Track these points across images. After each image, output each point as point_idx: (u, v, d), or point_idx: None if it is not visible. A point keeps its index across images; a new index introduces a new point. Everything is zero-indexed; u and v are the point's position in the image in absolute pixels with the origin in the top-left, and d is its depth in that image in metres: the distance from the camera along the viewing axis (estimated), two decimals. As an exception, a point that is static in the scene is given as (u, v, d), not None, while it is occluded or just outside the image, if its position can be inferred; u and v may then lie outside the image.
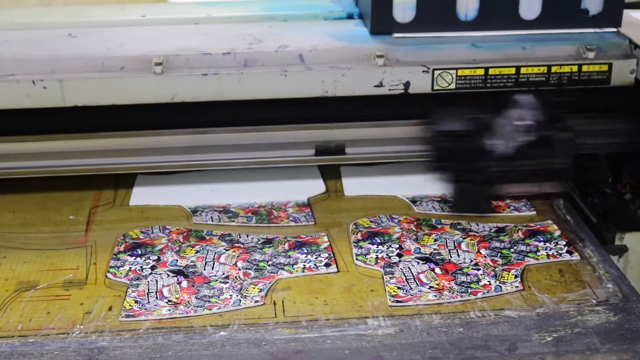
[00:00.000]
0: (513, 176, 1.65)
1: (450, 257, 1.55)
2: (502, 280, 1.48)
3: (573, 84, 1.64)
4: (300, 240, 1.62)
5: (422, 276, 1.50)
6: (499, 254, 1.56)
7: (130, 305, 1.42)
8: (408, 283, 1.48)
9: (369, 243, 1.60)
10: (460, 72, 1.62)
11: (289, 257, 1.56)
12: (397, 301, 1.43)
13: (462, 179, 1.65)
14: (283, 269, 1.53)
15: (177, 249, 1.59)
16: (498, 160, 1.63)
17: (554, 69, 1.63)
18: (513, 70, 1.62)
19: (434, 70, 1.61)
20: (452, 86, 1.62)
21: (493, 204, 1.70)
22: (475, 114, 1.62)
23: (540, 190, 1.70)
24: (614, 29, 1.69)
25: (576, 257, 1.55)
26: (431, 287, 1.46)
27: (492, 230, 1.64)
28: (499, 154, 1.62)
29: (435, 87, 1.62)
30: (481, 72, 1.62)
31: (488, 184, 1.66)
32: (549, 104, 1.63)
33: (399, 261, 1.54)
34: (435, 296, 1.44)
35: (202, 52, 1.61)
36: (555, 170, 1.65)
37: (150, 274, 1.51)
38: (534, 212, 1.71)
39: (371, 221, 1.68)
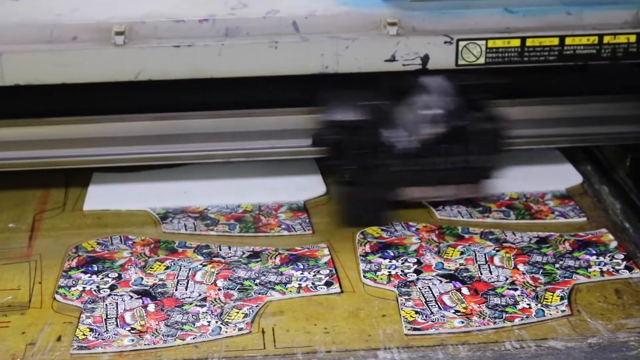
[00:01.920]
0: (419, 177, 1.64)
1: (481, 274, 1.55)
2: (544, 302, 1.48)
3: (630, 57, 1.64)
4: (294, 253, 1.62)
5: (445, 298, 1.50)
6: (541, 271, 1.56)
7: (84, 335, 1.42)
8: (428, 306, 1.48)
9: (380, 257, 1.60)
10: (490, 44, 1.61)
11: (281, 274, 1.56)
12: (415, 329, 1.43)
13: (353, 180, 1.63)
14: (274, 288, 1.52)
15: (143, 264, 1.59)
16: (399, 157, 1.61)
17: (606, 39, 1.62)
18: (556, 41, 1.62)
19: (458, 40, 1.61)
20: (481, 60, 1.62)
21: (392, 213, 1.68)
22: (372, 100, 1.60)
23: (457, 195, 1.69)
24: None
25: (637, 274, 1.55)
26: (457, 311, 1.46)
27: (532, 241, 1.64)
28: (400, 150, 1.60)
29: (461, 62, 1.62)
30: (517, 43, 1.62)
31: (386, 187, 1.64)
32: (468, 88, 1.62)
33: (417, 279, 1.54)
34: (462, 323, 1.44)
35: (173, 18, 1.61)
36: (475, 170, 1.64)
37: (109, 295, 1.51)
38: (585, 219, 1.71)
39: (382, 230, 1.68)
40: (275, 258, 1.60)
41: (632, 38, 1.63)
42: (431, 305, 1.47)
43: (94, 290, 1.52)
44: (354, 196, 1.65)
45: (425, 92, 1.60)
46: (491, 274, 1.55)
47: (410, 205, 1.71)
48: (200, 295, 1.51)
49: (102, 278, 1.55)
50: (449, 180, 1.67)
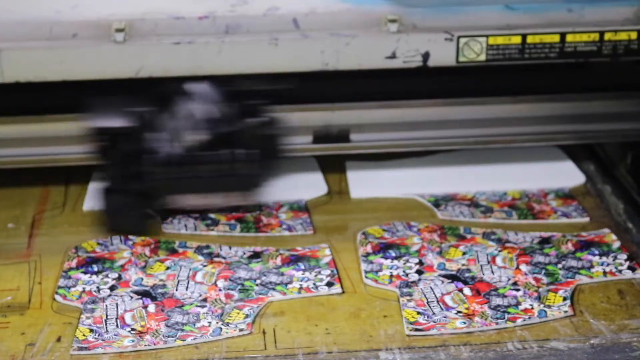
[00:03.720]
0: (187, 184, 1.63)
1: (483, 274, 1.55)
2: (547, 303, 1.48)
3: (631, 54, 1.64)
4: (295, 253, 1.62)
5: (447, 298, 1.50)
6: (544, 271, 1.56)
7: (84, 335, 1.42)
8: (430, 307, 1.48)
9: (382, 257, 1.60)
10: (491, 40, 1.62)
11: (282, 274, 1.56)
12: (417, 329, 1.43)
13: (116, 188, 1.63)
14: (274, 289, 1.53)
15: (143, 264, 1.59)
16: (165, 165, 1.60)
17: (607, 36, 1.63)
18: (557, 38, 1.62)
19: (459, 37, 1.61)
20: (482, 57, 1.62)
21: (150, 221, 1.68)
22: (139, 106, 1.60)
23: (226, 203, 1.68)
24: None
25: (640, 274, 1.55)
26: (459, 312, 1.46)
27: (534, 241, 1.64)
28: (165, 157, 1.59)
29: (461, 59, 1.62)
30: (517, 40, 1.62)
31: (147, 195, 1.64)
32: (241, 94, 1.62)
33: (419, 280, 1.54)
34: (464, 323, 1.44)
35: (173, 15, 1.61)
36: (244, 178, 1.63)
37: (109, 295, 1.51)
38: (587, 219, 1.71)
39: (384, 230, 1.68)
40: (276, 258, 1.60)
41: (633, 35, 1.63)
42: (433, 306, 1.48)
43: (94, 291, 1.52)
44: (117, 203, 1.64)
45: (191, 99, 1.60)
46: (493, 275, 1.55)
47: (180, 212, 1.70)
48: (200, 295, 1.51)
49: (102, 278, 1.55)
50: (216, 188, 1.65)
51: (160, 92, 1.61)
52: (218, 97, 1.61)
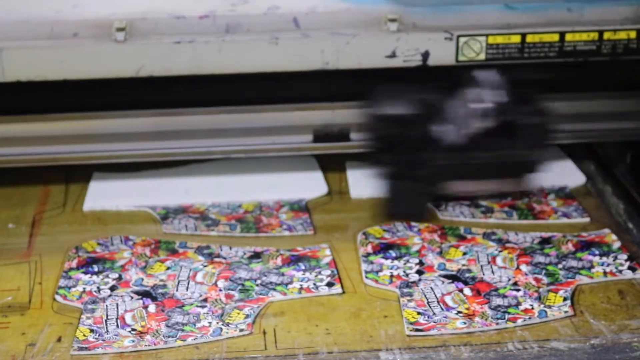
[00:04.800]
0: (464, 170, 1.64)
1: (483, 274, 1.56)
2: (547, 303, 1.48)
3: (630, 54, 1.64)
4: (296, 253, 1.62)
5: (447, 298, 1.50)
6: (544, 271, 1.56)
7: (84, 336, 1.42)
8: (430, 307, 1.48)
9: (382, 257, 1.60)
10: (491, 40, 1.62)
11: (282, 274, 1.56)
12: (417, 330, 1.43)
13: (401, 174, 1.63)
14: (275, 289, 1.53)
15: (143, 264, 1.59)
16: (447, 151, 1.61)
17: (606, 36, 1.63)
18: (556, 37, 1.63)
19: (458, 37, 1.61)
20: (482, 56, 1.62)
21: (430, 208, 1.70)
22: (423, 93, 1.61)
23: (500, 189, 1.69)
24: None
25: (640, 274, 1.56)
26: (459, 312, 1.47)
27: (534, 242, 1.64)
28: (448, 144, 1.60)
29: (461, 58, 1.62)
30: (517, 39, 1.62)
31: (431, 181, 1.64)
32: (517, 83, 1.62)
33: (419, 280, 1.54)
34: (465, 323, 1.44)
35: (174, 14, 1.61)
36: (520, 164, 1.64)
37: (110, 296, 1.51)
38: (588, 219, 1.71)
39: (384, 230, 1.68)
40: (276, 258, 1.60)
41: (633, 34, 1.63)
42: (433, 306, 1.48)
43: (94, 291, 1.52)
44: (399, 189, 1.65)
45: (475, 86, 1.60)
46: (494, 275, 1.55)
47: (453, 199, 1.71)
48: (201, 296, 1.51)
49: (103, 279, 1.55)
50: (492, 174, 1.66)
51: (445, 80, 1.61)
52: (501, 85, 1.60)
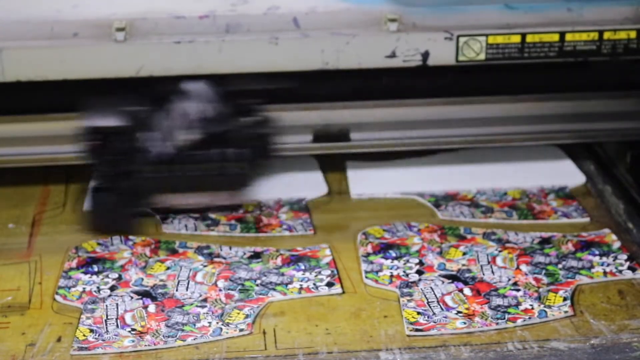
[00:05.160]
0: (177, 183, 1.64)
1: (483, 274, 1.56)
2: (547, 303, 1.48)
3: (630, 53, 1.64)
4: (296, 253, 1.62)
5: (447, 298, 1.50)
6: (544, 271, 1.56)
7: (84, 336, 1.42)
8: (430, 307, 1.48)
9: (382, 257, 1.60)
10: (491, 40, 1.62)
11: (282, 274, 1.56)
12: (417, 330, 1.43)
13: (107, 187, 1.63)
14: (275, 289, 1.53)
15: (143, 264, 1.59)
16: (157, 163, 1.61)
17: (606, 35, 1.63)
18: (556, 37, 1.63)
19: (458, 36, 1.61)
20: (482, 56, 1.62)
21: (137, 220, 1.68)
22: (132, 105, 1.60)
23: (213, 203, 1.69)
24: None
25: (640, 274, 1.56)
26: (459, 312, 1.47)
27: (534, 242, 1.64)
28: (156, 157, 1.60)
29: (461, 58, 1.62)
30: (517, 39, 1.62)
31: (138, 194, 1.64)
32: (237, 94, 1.63)
33: (419, 280, 1.54)
34: (465, 323, 1.44)
35: (174, 14, 1.61)
36: (234, 177, 1.64)
37: (110, 296, 1.51)
38: (588, 219, 1.71)
39: (384, 230, 1.68)
40: (276, 258, 1.60)
41: (632, 34, 1.63)
42: (433, 306, 1.48)
43: (94, 291, 1.52)
44: (103, 202, 1.64)
45: (186, 98, 1.60)
46: (493, 275, 1.55)
47: (179, 211, 1.71)
48: (201, 296, 1.51)
49: (103, 279, 1.55)
50: (204, 187, 1.66)
51: (155, 91, 1.61)
52: (212, 96, 1.61)
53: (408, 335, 1.42)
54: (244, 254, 1.62)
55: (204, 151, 1.62)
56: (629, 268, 1.57)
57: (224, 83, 1.62)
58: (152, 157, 1.60)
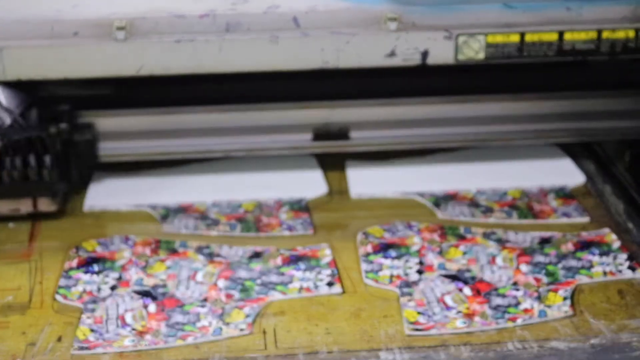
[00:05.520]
0: None
1: (483, 274, 1.56)
2: (547, 303, 1.48)
3: (628, 53, 1.64)
4: (296, 253, 1.62)
5: (447, 298, 1.50)
6: (544, 271, 1.56)
7: (84, 335, 1.42)
8: (430, 307, 1.48)
9: (382, 257, 1.60)
10: (490, 39, 1.62)
11: (282, 274, 1.56)
12: (417, 329, 1.43)
13: None
14: (275, 289, 1.53)
15: (143, 264, 1.59)
16: None
17: (605, 35, 1.63)
18: (555, 36, 1.63)
19: (457, 36, 1.62)
20: (481, 55, 1.63)
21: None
22: None
23: (18, 210, 1.68)
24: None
25: (640, 274, 1.56)
26: (459, 311, 1.47)
27: (534, 241, 1.64)
28: None
29: (460, 57, 1.63)
30: (516, 38, 1.63)
31: None
32: (47, 100, 1.63)
33: (419, 280, 1.54)
34: (465, 323, 1.44)
35: (174, 13, 1.62)
36: (35, 184, 1.65)
37: (110, 295, 1.51)
38: (587, 218, 1.71)
39: (384, 229, 1.68)
40: (276, 258, 1.60)
41: (631, 33, 1.63)
42: (433, 306, 1.48)
43: (95, 291, 1.52)
44: None
45: None
46: (493, 275, 1.55)
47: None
48: (201, 295, 1.51)
49: (103, 278, 1.55)
50: (9, 194, 1.66)
51: None
52: (22, 102, 1.60)
53: (408, 335, 1.42)
54: (244, 253, 1.62)
55: (8, 157, 1.62)
56: (629, 268, 1.57)
57: (34, 89, 1.63)
58: None
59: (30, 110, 1.64)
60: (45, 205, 1.67)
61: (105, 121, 1.73)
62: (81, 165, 1.72)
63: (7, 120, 1.60)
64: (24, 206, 1.67)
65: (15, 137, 1.61)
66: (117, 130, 1.75)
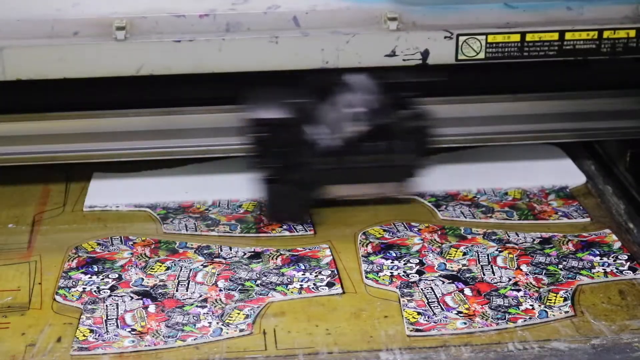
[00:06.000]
0: (343, 175, 1.64)
1: (484, 275, 1.55)
2: (548, 303, 1.48)
3: (630, 52, 1.64)
4: (296, 253, 1.62)
5: (448, 299, 1.50)
6: (544, 271, 1.56)
7: (84, 336, 1.42)
8: (431, 307, 1.48)
9: (382, 257, 1.60)
10: (490, 39, 1.62)
11: (283, 274, 1.56)
12: (417, 330, 1.43)
13: (277, 178, 1.64)
14: (275, 289, 1.52)
15: (143, 265, 1.59)
16: (323, 155, 1.61)
17: (606, 34, 1.63)
18: (556, 36, 1.63)
19: (458, 35, 1.61)
20: (481, 55, 1.62)
21: (309, 210, 1.70)
22: (297, 97, 1.61)
23: (380, 193, 1.69)
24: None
25: (640, 274, 1.55)
26: (459, 312, 1.46)
27: (535, 242, 1.64)
28: (323, 148, 1.60)
29: (460, 57, 1.62)
30: (517, 38, 1.62)
31: (308, 185, 1.65)
32: (393, 86, 1.63)
33: (420, 280, 1.54)
34: (465, 324, 1.44)
35: (174, 13, 1.61)
36: (399, 168, 1.65)
37: (110, 296, 1.51)
38: (588, 219, 1.71)
39: (384, 230, 1.68)
40: (276, 259, 1.60)
41: (632, 33, 1.63)
42: (433, 306, 1.48)
43: (94, 291, 1.52)
44: (276, 193, 1.65)
45: (349, 90, 1.61)
46: (494, 275, 1.55)
47: (335, 202, 1.71)
48: (201, 296, 1.51)
49: (103, 279, 1.55)
50: (372, 178, 1.66)
51: (319, 84, 1.61)
52: (374, 89, 1.60)
53: (408, 336, 1.42)
54: (244, 254, 1.61)
55: (371, 143, 1.62)
56: (630, 268, 1.57)
57: (382, 76, 1.62)
58: (320, 149, 1.60)
59: (381, 96, 1.63)
60: (405, 189, 1.68)
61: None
62: (423, 150, 1.69)
63: (371, 105, 1.59)
64: (388, 190, 1.68)
65: (378, 122, 1.60)
66: (117, 131, 1.75)
